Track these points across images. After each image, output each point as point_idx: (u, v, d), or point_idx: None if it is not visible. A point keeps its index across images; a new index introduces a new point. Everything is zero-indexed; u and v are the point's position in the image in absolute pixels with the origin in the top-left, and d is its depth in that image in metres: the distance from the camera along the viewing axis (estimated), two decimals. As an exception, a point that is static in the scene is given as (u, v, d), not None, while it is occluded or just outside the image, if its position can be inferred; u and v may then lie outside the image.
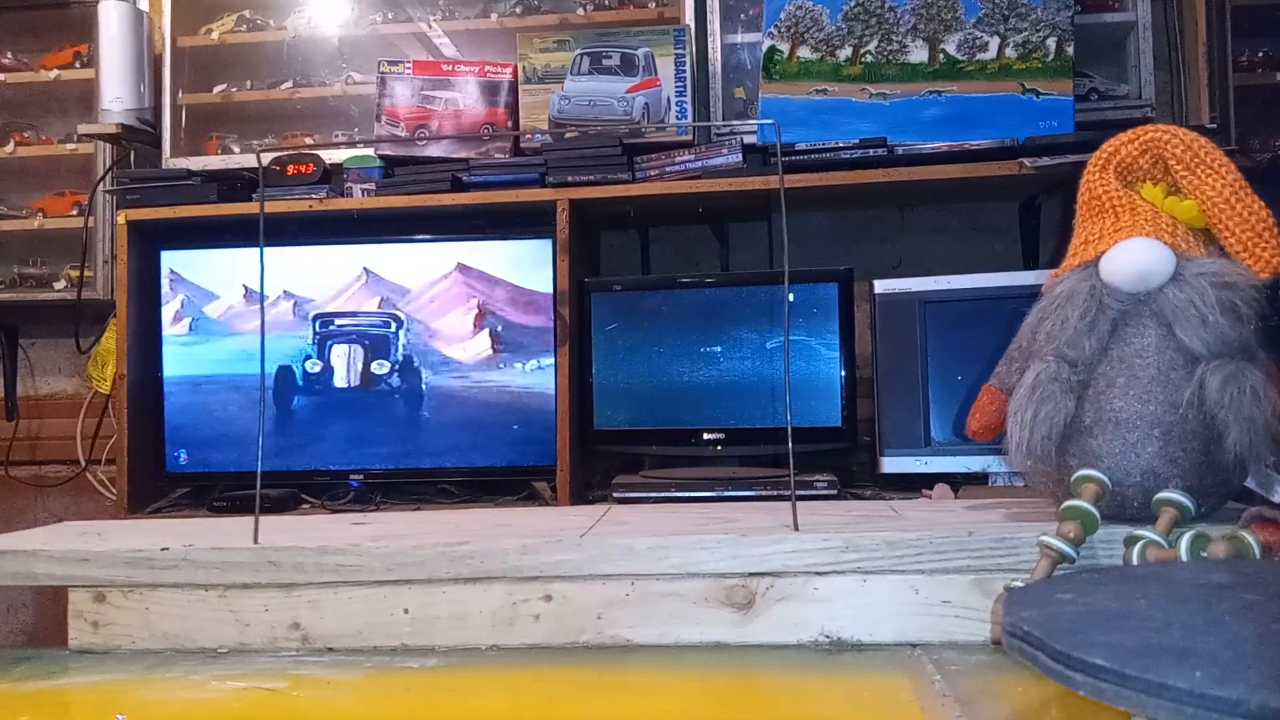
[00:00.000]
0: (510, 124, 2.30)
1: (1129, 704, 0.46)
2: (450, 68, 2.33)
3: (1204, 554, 0.67)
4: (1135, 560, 0.70)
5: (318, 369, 2.24)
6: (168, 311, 2.27)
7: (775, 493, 1.88)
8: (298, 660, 0.79)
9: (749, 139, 2.18)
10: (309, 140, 2.51)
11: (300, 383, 2.24)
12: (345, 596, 0.80)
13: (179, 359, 2.26)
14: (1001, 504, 0.94)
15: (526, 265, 2.21)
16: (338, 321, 2.24)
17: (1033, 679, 0.63)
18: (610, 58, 2.25)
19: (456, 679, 0.73)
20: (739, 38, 2.34)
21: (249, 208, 2.23)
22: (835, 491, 1.88)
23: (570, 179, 2.11)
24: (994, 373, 0.87)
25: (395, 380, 2.23)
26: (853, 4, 2.15)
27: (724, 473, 2.04)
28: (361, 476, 2.21)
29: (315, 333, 2.24)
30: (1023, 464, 0.80)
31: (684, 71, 2.24)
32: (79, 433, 2.63)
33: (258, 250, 0.88)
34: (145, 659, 0.80)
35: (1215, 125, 2.12)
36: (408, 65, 2.31)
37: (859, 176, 2.04)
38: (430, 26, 2.48)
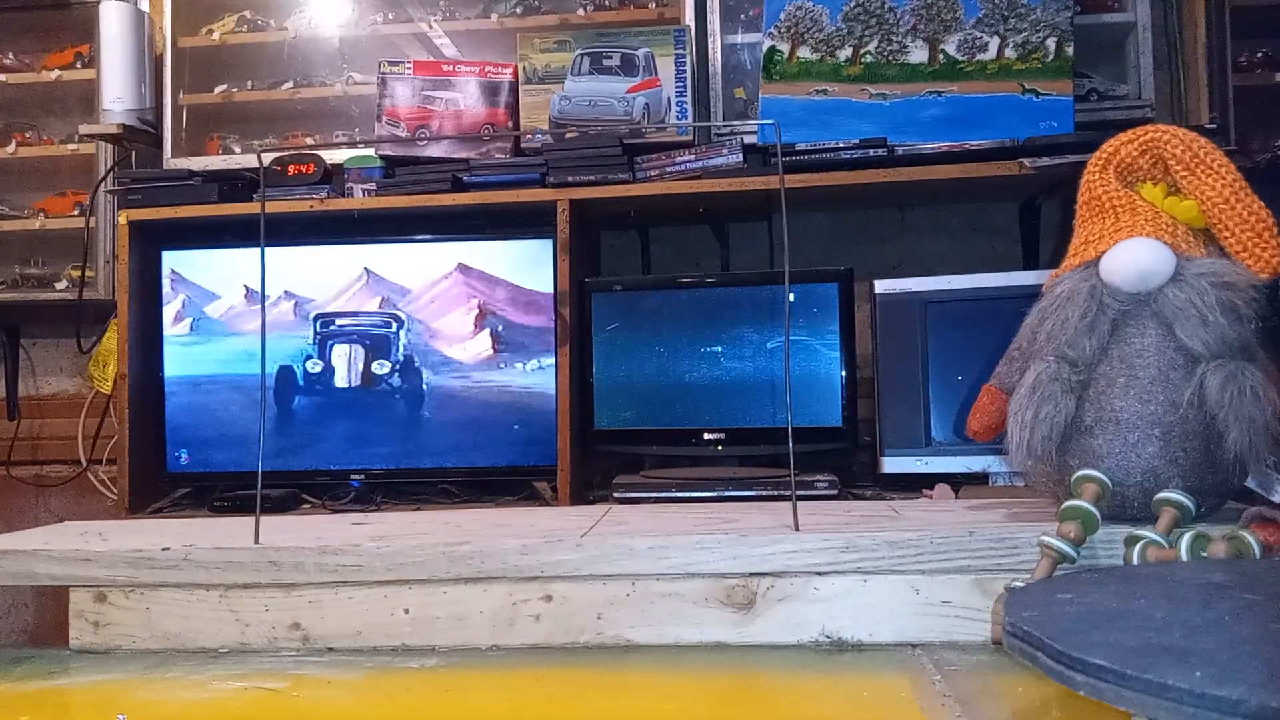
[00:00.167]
0: (511, 124, 2.30)
1: (1129, 704, 0.46)
2: (451, 68, 2.33)
3: (1204, 554, 0.67)
4: (1135, 560, 0.70)
5: (318, 369, 2.24)
6: (169, 311, 2.27)
7: (776, 493, 1.88)
8: (298, 660, 0.79)
9: (749, 139, 2.18)
10: (310, 140, 2.51)
11: (301, 383, 2.24)
12: (345, 596, 0.80)
13: (180, 359, 2.26)
14: (1002, 504, 0.94)
15: (527, 265, 2.21)
16: (338, 321, 2.24)
17: (1033, 679, 0.63)
18: (610, 58, 2.25)
19: (456, 679, 0.73)
20: (739, 38, 2.34)
21: (250, 208, 2.23)
22: (836, 491, 1.88)
23: (571, 179, 2.11)
24: (994, 373, 0.87)
25: (396, 380, 2.23)
26: (853, 4, 2.15)
27: (724, 473, 2.04)
28: (362, 476, 2.21)
29: (316, 333, 2.24)
30: (1023, 464, 0.80)
31: (684, 72, 2.24)
32: (80, 433, 2.63)
33: (259, 250, 0.88)
34: (146, 659, 0.80)
35: (1215, 125, 2.12)
36: (408, 65, 2.31)
37: (859, 177, 2.04)
38: (431, 27, 2.48)
